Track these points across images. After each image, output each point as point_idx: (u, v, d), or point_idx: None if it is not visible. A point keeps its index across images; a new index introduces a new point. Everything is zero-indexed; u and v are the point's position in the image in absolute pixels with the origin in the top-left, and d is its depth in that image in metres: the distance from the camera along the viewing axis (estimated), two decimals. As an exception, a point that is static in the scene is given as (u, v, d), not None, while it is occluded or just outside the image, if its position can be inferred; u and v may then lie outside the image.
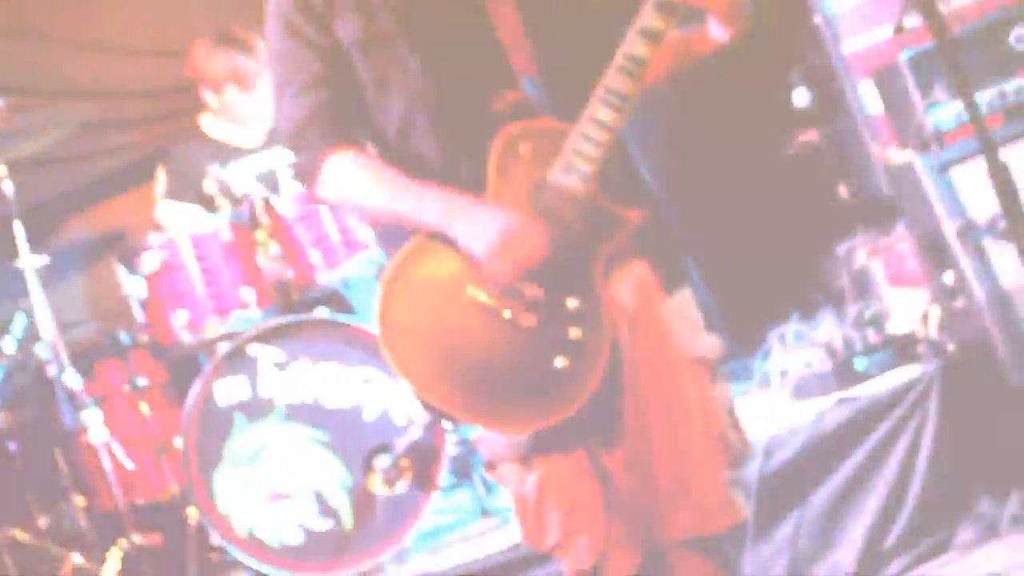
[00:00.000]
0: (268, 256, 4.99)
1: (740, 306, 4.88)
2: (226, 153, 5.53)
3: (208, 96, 5.60)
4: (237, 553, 4.63)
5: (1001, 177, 4.34)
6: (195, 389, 4.68)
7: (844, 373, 4.84)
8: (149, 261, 4.92)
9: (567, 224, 2.93)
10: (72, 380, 4.96)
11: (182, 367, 5.15)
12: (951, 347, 4.69)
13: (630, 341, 2.99)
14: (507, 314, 2.92)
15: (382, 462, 4.62)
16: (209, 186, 5.24)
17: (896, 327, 4.99)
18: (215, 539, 4.65)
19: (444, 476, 4.78)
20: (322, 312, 4.79)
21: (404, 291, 2.99)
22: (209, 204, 5.28)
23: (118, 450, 5.05)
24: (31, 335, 5.12)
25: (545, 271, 2.93)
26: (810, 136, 5.50)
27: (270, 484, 4.68)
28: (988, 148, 4.44)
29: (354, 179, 3.10)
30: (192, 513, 4.79)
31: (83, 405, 4.96)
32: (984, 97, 4.56)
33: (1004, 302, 4.53)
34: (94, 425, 4.96)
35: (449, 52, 3.06)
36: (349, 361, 4.71)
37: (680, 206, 3.24)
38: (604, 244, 2.97)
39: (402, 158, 3.07)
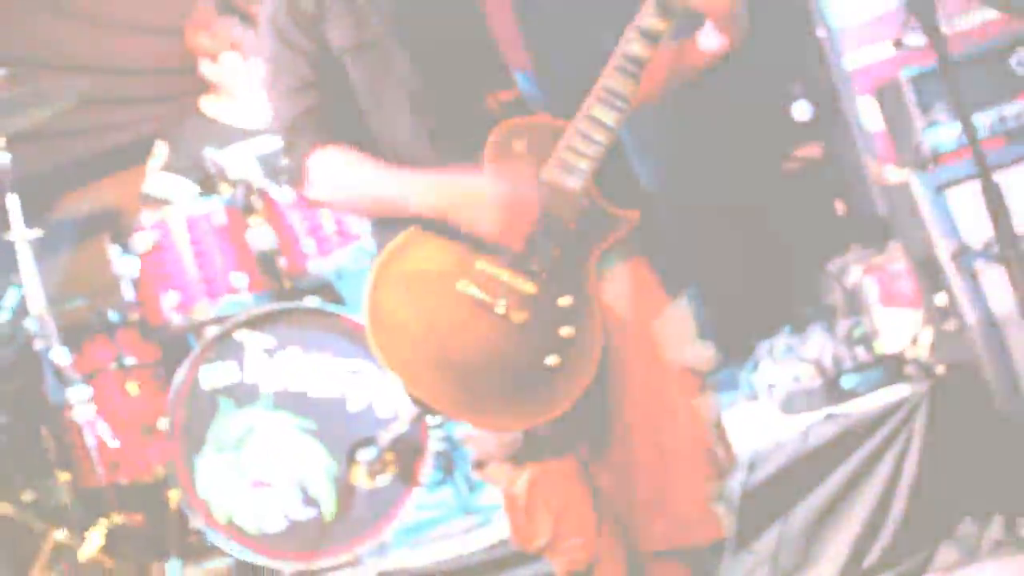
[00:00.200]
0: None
1: (731, 316, 4.87)
2: (226, 135, 5.47)
3: (206, 66, 5.56)
4: (216, 538, 4.57)
5: (995, 200, 4.29)
6: (182, 371, 4.64)
7: (832, 390, 4.82)
8: (142, 241, 4.88)
9: (561, 222, 2.90)
10: (60, 356, 4.90)
11: (171, 348, 5.12)
12: (940, 369, 4.66)
13: (620, 343, 2.97)
14: (500, 309, 2.87)
15: (366, 455, 4.56)
16: (206, 167, 5.18)
17: (886, 346, 4.95)
18: (195, 523, 4.58)
19: (428, 472, 4.71)
20: (313, 301, 4.74)
21: (394, 283, 2.94)
22: (205, 185, 5.26)
23: (104, 428, 5.00)
24: (22, 309, 5.05)
25: (538, 269, 2.90)
26: (810, 150, 5.47)
27: (253, 471, 4.64)
28: (983, 171, 4.38)
29: (340, 173, 3.08)
30: (174, 496, 4.74)
31: (70, 381, 4.91)
32: (984, 120, 4.53)
33: (994, 327, 4.48)
34: (80, 402, 4.91)
35: (441, 52, 3.04)
36: (338, 351, 4.67)
37: (675, 213, 3.17)
38: (598, 243, 2.94)
39: (396, 161, 3.03)
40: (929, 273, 4.64)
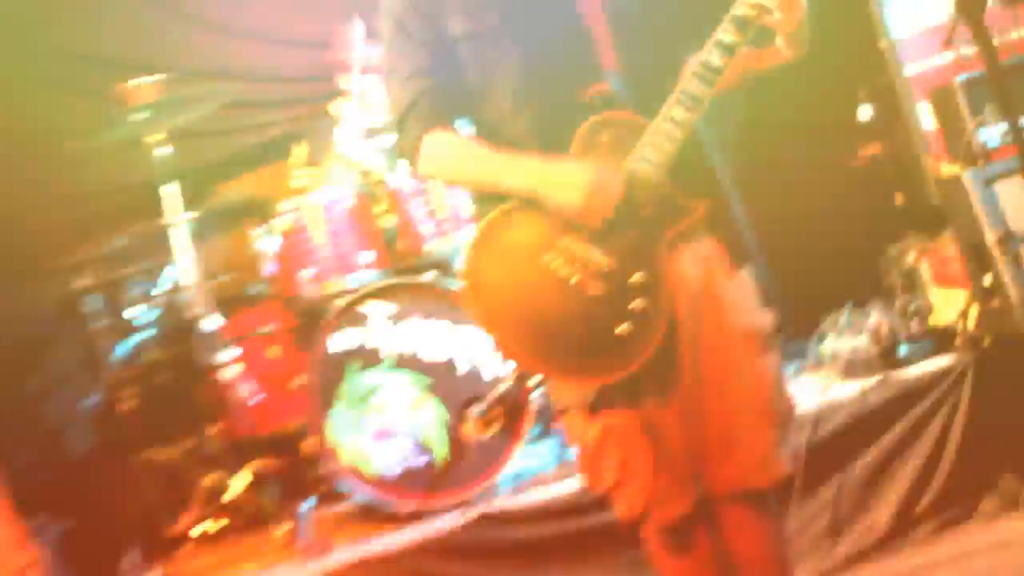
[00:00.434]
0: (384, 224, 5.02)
1: (800, 294, 4.88)
2: (356, 133, 5.51)
3: (345, 81, 5.62)
4: (343, 481, 4.67)
5: None
6: (317, 337, 4.71)
7: (889, 358, 4.87)
8: (283, 223, 5.02)
9: (638, 208, 2.97)
10: (212, 323, 5.04)
11: (307, 317, 5.14)
12: (985, 341, 4.70)
13: (693, 310, 3.03)
14: (578, 281, 2.95)
15: (476, 410, 4.63)
16: (339, 161, 5.31)
17: (938, 321, 5.01)
18: (328, 467, 4.70)
19: (529, 427, 4.78)
20: (430, 276, 4.81)
21: (488, 255, 3.03)
22: (339, 177, 5.33)
23: (249, 386, 5.13)
24: (178, 284, 5.20)
25: (616, 247, 2.97)
26: (873, 148, 5.49)
27: (376, 423, 4.70)
28: None
29: (449, 153, 3.15)
30: (309, 444, 4.81)
31: (220, 345, 5.04)
32: None
33: None
34: (229, 363, 5.04)
35: (545, 47, 3.08)
36: (451, 319, 4.72)
37: (756, 204, 3.28)
38: (669, 228, 3.00)
39: (498, 141, 3.10)
40: (977, 257, 4.71)
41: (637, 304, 2.96)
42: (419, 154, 3.16)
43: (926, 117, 4.99)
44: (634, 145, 2.96)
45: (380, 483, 4.70)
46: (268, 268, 5.17)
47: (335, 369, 4.73)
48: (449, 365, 4.77)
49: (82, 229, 5.81)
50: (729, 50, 2.89)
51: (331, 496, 5.14)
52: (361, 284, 4.88)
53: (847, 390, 4.74)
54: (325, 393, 4.72)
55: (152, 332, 5.44)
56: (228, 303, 5.38)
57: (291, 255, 5.04)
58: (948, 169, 4.85)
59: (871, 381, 4.74)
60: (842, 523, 4.54)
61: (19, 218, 5.69)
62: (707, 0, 2.95)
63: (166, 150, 5.01)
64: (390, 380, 4.75)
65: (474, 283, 3.01)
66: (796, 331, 5.32)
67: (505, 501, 4.60)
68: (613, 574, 4.35)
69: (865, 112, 5.47)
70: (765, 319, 3.14)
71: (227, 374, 5.04)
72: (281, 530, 4.73)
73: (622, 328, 2.95)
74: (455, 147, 3.15)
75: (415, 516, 4.64)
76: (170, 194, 5.00)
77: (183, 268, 5.05)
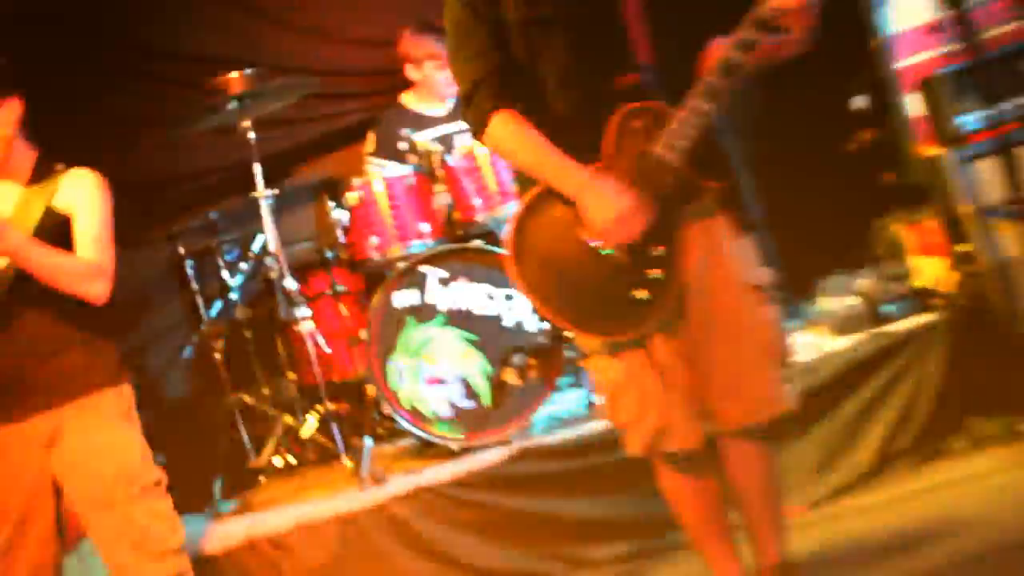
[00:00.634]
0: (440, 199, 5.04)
1: (799, 261, 4.82)
2: (417, 121, 5.63)
3: (411, 71, 5.71)
4: (402, 421, 4.68)
5: (1010, 170, 4.40)
6: (379, 296, 4.72)
7: (875, 315, 4.86)
8: (352, 198, 5.00)
9: (660, 188, 2.97)
10: (290, 285, 5.03)
11: (372, 279, 5.18)
12: (960, 301, 4.70)
13: (702, 269, 3.05)
14: (604, 253, 3.00)
15: (516, 360, 4.66)
16: (402, 145, 5.35)
17: (918, 284, 4.98)
18: (387, 410, 4.72)
19: (562, 376, 4.82)
20: (478, 243, 4.82)
21: (531, 227, 3.06)
22: (401, 158, 5.37)
23: (321, 339, 5.12)
24: (263, 251, 5.19)
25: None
26: (866, 134, 5.45)
27: (430, 370, 4.72)
28: (1004, 147, 4.49)
29: (512, 139, 3.12)
30: (371, 389, 4.85)
31: (297, 304, 5.01)
32: (1004, 107, 4.55)
33: (1004, 270, 4.56)
34: (304, 319, 5.02)
35: (590, 36, 3.05)
36: (496, 282, 4.73)
37: (761, 182, 3.26)
38: (687, 206, 3.02)
39: (542, 118, 3.09)
40: (954, 228, 4.71)
41: (655, 273, 3.01)
42: (487, 129, 3.15)
43: (914, 105, 4.93)
44: (661, 131, 2.95)
45: (433, 423, 4.71)
46: (340, 237, 5.16)
47: (395, 323, 4.72)
48: (493, 322, 4.77)
49: (186, 203, 5.87)
50: (749, 47, 2.88)
51: (390, 434, 5.23)
52: (419, 251, 4.88)
53: (839, 344, 4.73)
54: (385, 344, 4.71)
55: (241, 292, 5.46)
56: (305, 267, 5.39)
57: (360, 226, 5.01)
58: (931, 151, 4.82)
59: (860, 336, 4.74)
60: (830, 459, 4.53)
61: (133, 194, 5.78)
62: (731, 2, 2.92)
63: (252, 135, 5.01)
64: (441, 334, 4.75)
65: (516, 251, 3.05)
66: (796, 293, 5.32)
67: (539, 439, 4.60)
68: (630, 501, 4.35)
69: (859, 102, 5.43)
70: (765, 275, 3.14)
71: (303, 329, 5.02)
72: (346, 464, 4.74)
73: (641, 293, 3.01)
74: (520, 134, 3.11)
75: (463, 451, 4.66)
76: (258, 173, 5.00)
77: (268, 237, 5.04)
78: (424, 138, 5.24)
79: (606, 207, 2.96)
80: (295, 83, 5.24)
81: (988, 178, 4.59)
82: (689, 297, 3.06)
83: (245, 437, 5.32)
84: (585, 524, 4.37)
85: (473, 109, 3.17)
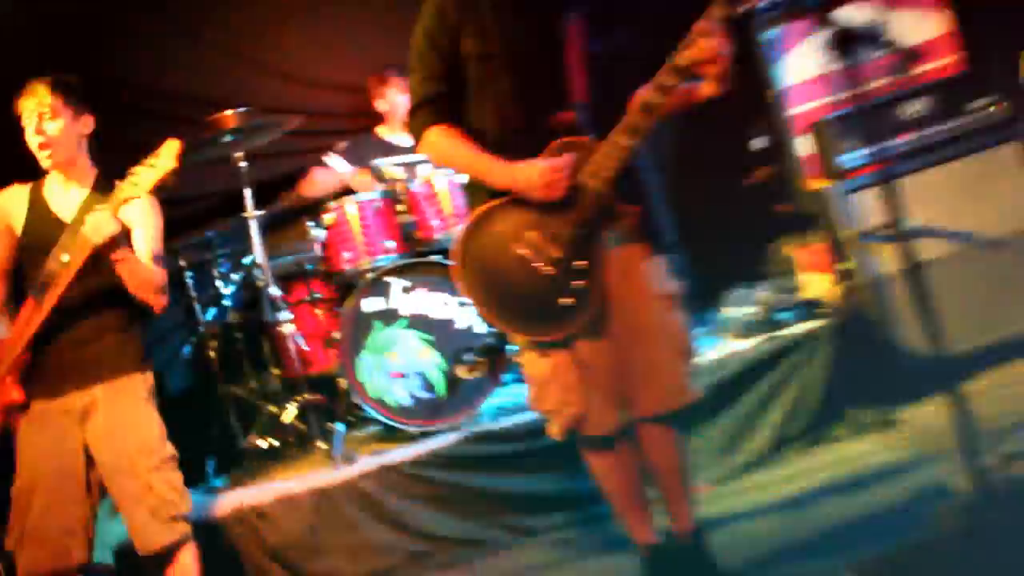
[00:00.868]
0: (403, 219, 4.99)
1: (706, 276, 4.81)
2: (388, 149, 5.62)
3: (379, 104, 5.73)
4: (369, 410, 4.64)
5: (888, 199, 4.40)
6: (350, 302, 4.70)
7: (771, 322, 4.88)
8: (328, 219, 4.98)
9: (586, 211, 2.98)
10: (274, 292, 4.98)
11: (345, 287, 5.12)
12: (842, 310, 4.72)
13: (622, 282, 3.06)
14: (536, 265, 3.00)
15: (467, 358, 4.61)
16: (373, 173, 5.33)
17: (807, 296, 5.02)
18: (356, 400, 4.67)
19: (506, 372, 4.83)
20: (436, 258, 4.80)
21: (472, 243, 3.06)
22: (371, 184, 5.36)
23: (300, 339, 5.07)
24: (252, 264, 5.10)
25: (566, 241, 2.99)
26: (764, 171, 5.47)
27: (393, 366, 4.68)
28: (881, 180, 4.50)
29: (447, 145, 3.12)
30: (343, 382, 4.79)
31: (280, 309, 4.96)
32: (881, 147, 4.47)
33: (879, 284, 4.58)
34: (286, 322, 4.97)
35: (532, 76, 3.04)
36: (452, 291, 4.70)
37: (675, 208, 3.26)
38: (608, 228, 3.03)
39: (483, 143, 3.08)
40: (838, 249, 4.75)
41: (579, 284, 3.02)
42: (425, 138, 3.15)
43: (805, 145, 4.96)
44: (587, 162, 2.95)
45: (396, 411, 4.66)
46: (317, 251, 5.13)
47: (364, 325, 4.68)
48: (448, 324, 4.75)
49: (185, 223, 5.77)
50: (666, 91, 2.87)
51: (359, 421, 5.17)
52: (385, 264, 4.84)
53: (741, 345, 4.74)
54: (355, 343, 4.67)
55: (233, 299, 5.37)
56: (288, 277, 5.33)
57: (335, 242, 4.99)
58: (819, 184, 4.85)
59: (758, 339, 4.76)
60: (733, 443, 4.52)
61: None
62: (657, 51, 2.91)
63: (243, 165, 4.95)
64: (403, 335, 4.72)
65: (461, 263, 3.06)
66: (704, 303, 5.32)
67: (487, 426, 4.59)
68: (563, 478, 4.32)
69: (758, 142, 5.45)
70: (674, 286, 3.14)
71: (285, 330, 4.97)
72: (321, 446, 4.69)
73: (566, 300, 3.01)
74: (454, 142, 3.11)
75: (421, 436, 4.63)
76: (248, 197, 4.93)
77: (256, 252, 4.96)
78: (390, 164, 5.20)
79: (531, 175, 2.95)
80: (281, 121, 5.14)
81: (867, 207, 4.62)
82: (610, 305, 3.06)
83: (235, 423, 5.23)
84: (525, 498, 4.35)
85: (414, 122, 3.17)
